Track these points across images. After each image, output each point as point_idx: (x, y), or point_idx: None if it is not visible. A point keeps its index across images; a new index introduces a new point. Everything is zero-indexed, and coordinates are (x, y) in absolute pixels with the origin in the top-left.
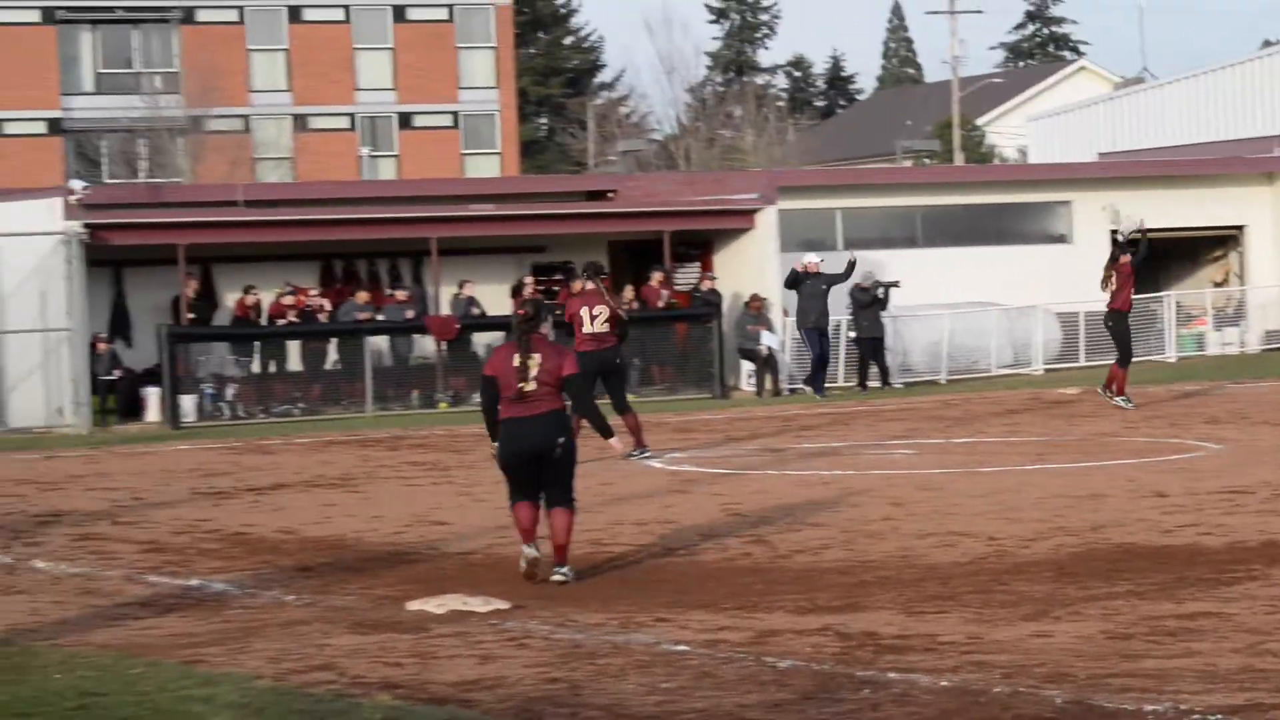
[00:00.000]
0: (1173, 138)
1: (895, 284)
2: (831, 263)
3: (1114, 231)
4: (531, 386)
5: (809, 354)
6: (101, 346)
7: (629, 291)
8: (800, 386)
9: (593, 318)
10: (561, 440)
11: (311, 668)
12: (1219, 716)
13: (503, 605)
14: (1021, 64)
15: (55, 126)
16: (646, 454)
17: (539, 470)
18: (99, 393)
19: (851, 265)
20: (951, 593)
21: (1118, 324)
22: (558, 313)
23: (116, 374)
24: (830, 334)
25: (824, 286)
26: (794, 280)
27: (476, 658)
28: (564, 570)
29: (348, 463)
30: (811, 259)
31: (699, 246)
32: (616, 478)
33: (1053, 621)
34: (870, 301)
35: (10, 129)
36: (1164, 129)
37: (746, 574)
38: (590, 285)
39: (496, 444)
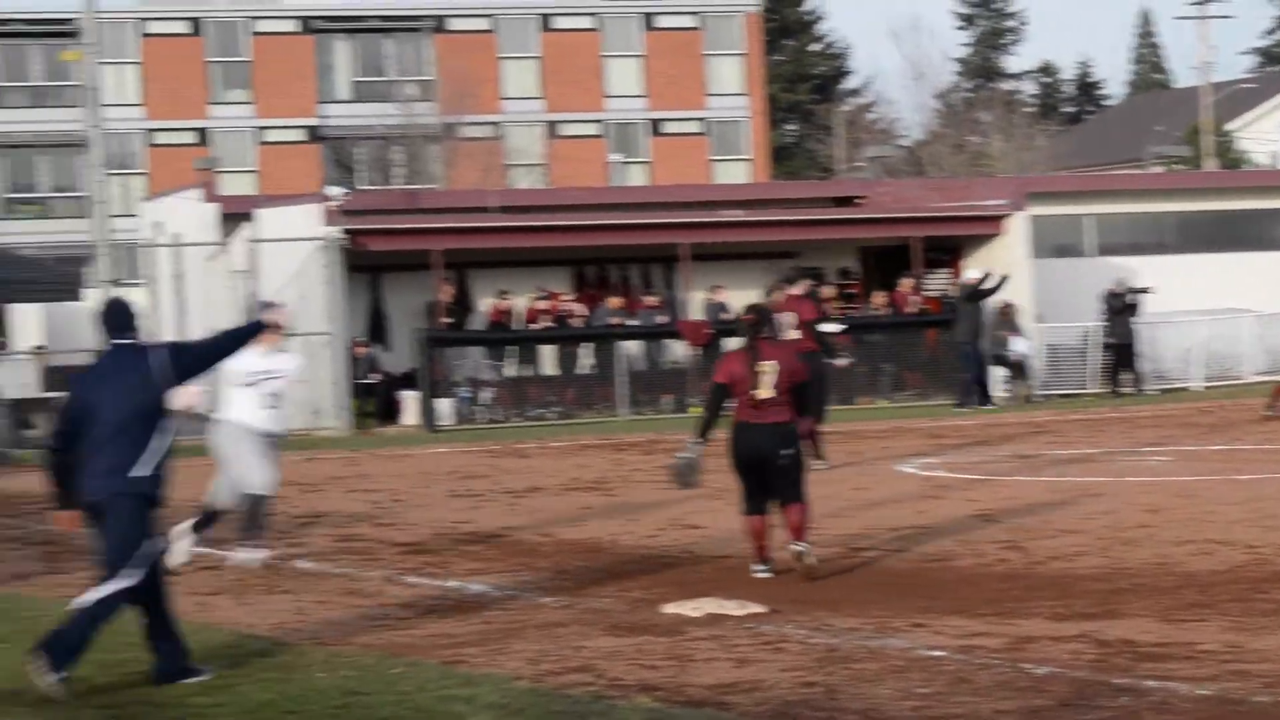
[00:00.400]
0: None
1: (1147, 290)
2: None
3: None
4: (767, 394)
5: (1061, 360)
6: (360, 350)
7: (878, 296)
8: (1048, 393)
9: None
10: (785, 452)
11: (569, 669)
12: None
13: (758, 609)
14: (1274, 68)
15: (313, 134)
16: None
17: (765, 477)
18: (358, 396)
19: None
20: (1210, 601)
21: None
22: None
23: (375, 378)
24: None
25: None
26: (974, 294)
27: (733, 661)
28: (801, 545)
29: (602, 466)
30: (973, 275)
31: (949, 252)
32: (871, 483)
33: None
34: (1122, 308)
35: (270, 136)
36: None
37: (1001, 579)
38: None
39: (701, 441)
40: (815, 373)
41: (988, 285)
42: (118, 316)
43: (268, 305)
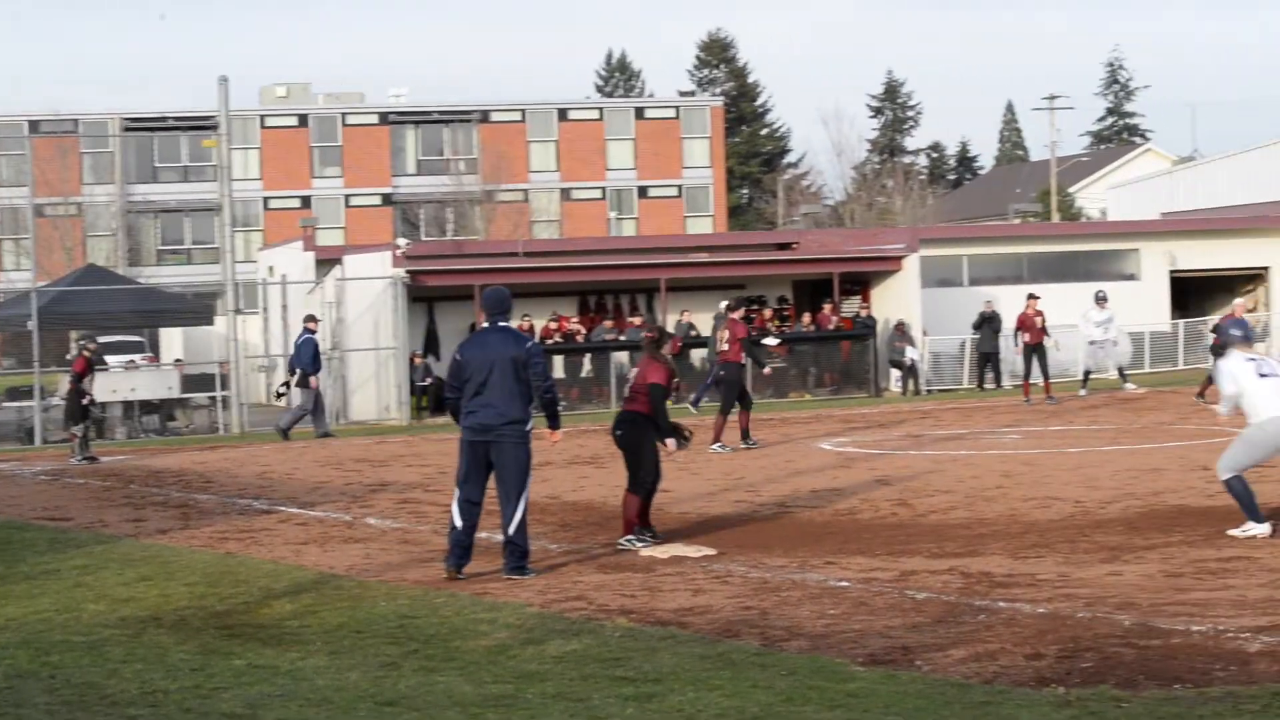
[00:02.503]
0: (1217, 201)
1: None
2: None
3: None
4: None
5: (943, 364)
6: (417, 360)
7: (806, 317)
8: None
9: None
10: (617, 433)
11: (568, 598)
12: (1248, 634)
13: (710, 552)
14: (1102, 146)
15: (387, 199)
16: (724, 448)
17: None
18: (415, 394)
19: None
20: (1047, 542)
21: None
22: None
23: (428, 381)
24: (959, 349)
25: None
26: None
27: (691, 591)
28: (624, 539)
29: (597, 446)
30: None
31: (860, 284)
32: (797, 457)
33: (1123, 564)
34: (983, 323)
35: (355, 201)
36: (1210, 194)
37: (893, 528)
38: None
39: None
40: (732, 378)
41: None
42: (498, 303)
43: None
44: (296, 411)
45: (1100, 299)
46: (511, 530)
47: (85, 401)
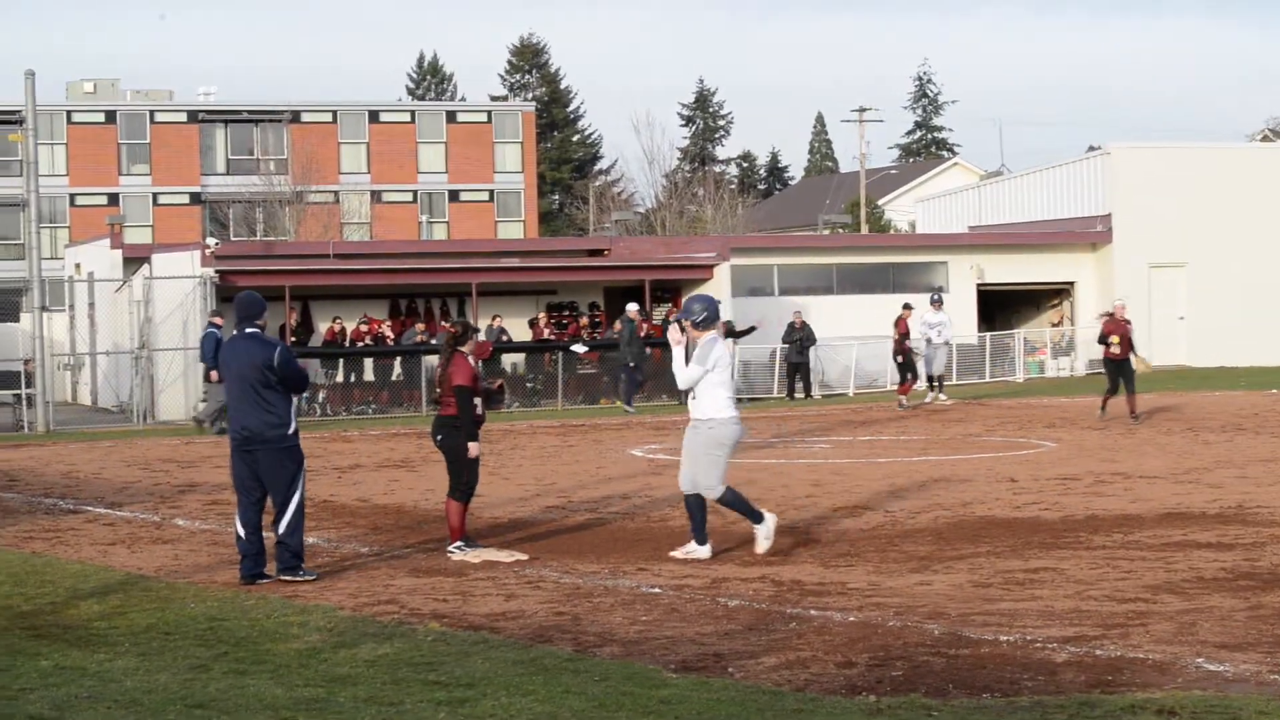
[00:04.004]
0: (1023, 216)
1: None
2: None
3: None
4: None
5: (753, 373)
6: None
7: (618, 324)
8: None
9: None
10: (438, 438)
11: (380, 602)
12: (1055, 644)
13: (522, 556)
14: (911, 160)
15: (195, 198)
16: None
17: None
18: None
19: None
20: (857, 551)
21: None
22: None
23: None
24: (769, 359)
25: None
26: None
27: (503, 596)
28: (453, 545)
29: (407, 449)
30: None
31: (672, 291)
32: (608, 463)
33: (932, 574)
34: (796, 335)
35: (163, 200)
36: (1017, 209)
37: None
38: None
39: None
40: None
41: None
42: (247, 308)
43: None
44: (212, 405)
45: (935, 301)
46: (281, 531)
47: None
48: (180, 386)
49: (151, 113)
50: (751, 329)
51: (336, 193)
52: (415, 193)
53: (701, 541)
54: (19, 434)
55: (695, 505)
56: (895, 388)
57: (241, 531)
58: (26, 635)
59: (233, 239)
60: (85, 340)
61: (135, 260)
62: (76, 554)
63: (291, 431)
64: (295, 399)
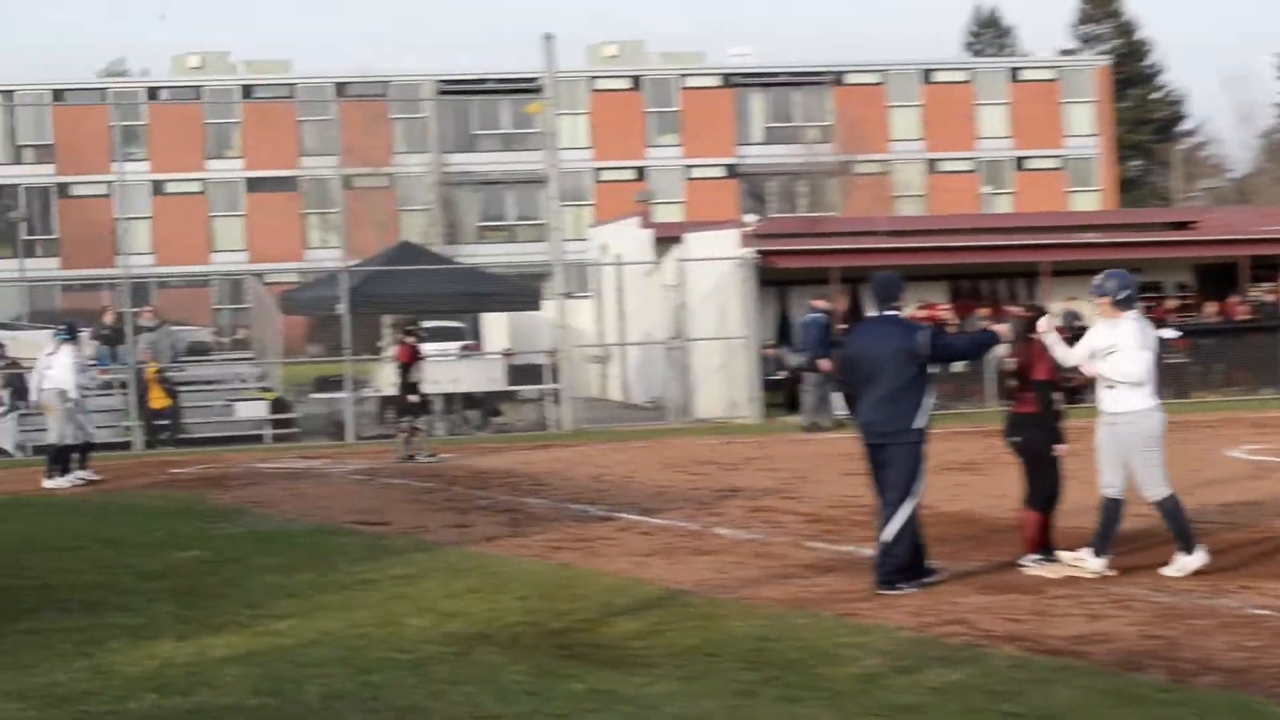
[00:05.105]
0: None
1: None
2: None
3: None
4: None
5: None
6: (769, 351)
7: (1210, 306)
8: None
9: None
10: (1015, 438)
11: (946, 621)
12: None
13: (1108, 572)
14: None
15: (731, 171)
16: None
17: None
18: (767, 389)
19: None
20: None
21: None
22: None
23: (781, 374)
24: None
25: None
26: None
27: (1087, 616)
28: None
29: (972, 450)
30: None
31: (1272, 269)
32: (1203, 465)
33: None
34: None
35: (695, 173)
36: None
37: None
38: None
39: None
40: None
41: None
42: (884, 289)
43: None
44: (813, 400)
45: None
46: (887, 536)
47: (414, 397)
48: (719, 380)
49: (681, 77)
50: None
51: (886, 163)
52: (975, 161)
53: (1100, 553)
54: (544, 433)
55: (1112, 511)
56: None
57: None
58: (557, 655)
59: (773, 215)
60: (614, 329)
61: (667, 240)
62: (609, 565)
63: (919, 427)
64: (929, 396)
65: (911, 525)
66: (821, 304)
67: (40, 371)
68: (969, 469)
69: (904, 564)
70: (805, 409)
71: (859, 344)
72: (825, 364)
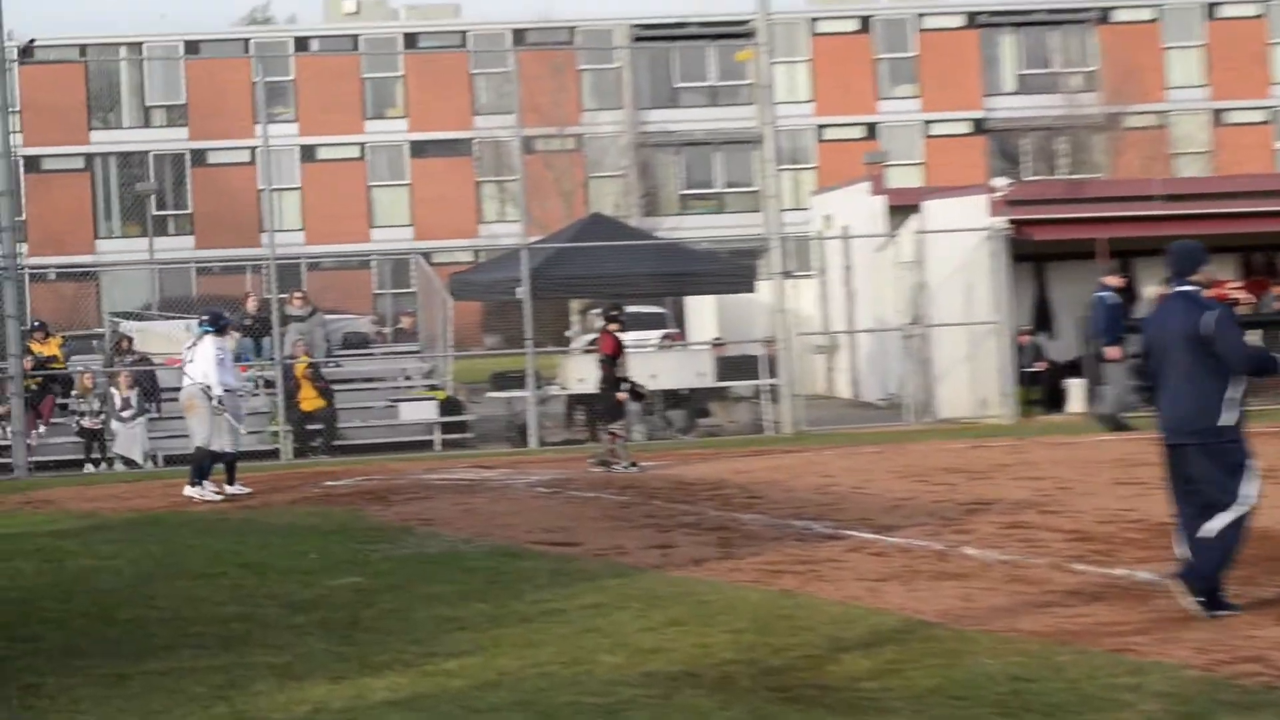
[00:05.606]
0: None
1: None
2: None
3: None
4: None
5: None
6: (1024, 339)
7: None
8: None
9: None
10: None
11: (1240, 659)
12: None
13: None
14: None
15: (978, 126)
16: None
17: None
18: (1023, 384)
19: None
20: None
21: None
22: None
23: (1040, 366)
24: None
25: None
26: None
27: None
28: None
29: (1272, 453)
30: None
31: None
32: None
33: None
34: None
35: (936, 130)
36: None
37: None
38: None
39: None
40: None
41: None
42: (1178, 261)
43: None
44: (1117, 391)
45: None
46: (1198, 542)
47: (622, 393)
48: (965, 373)
49: (918, 16)
50: None
51: (1163, 114)
52: (1271, 110)
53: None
54: (760, 437)
55: None
56: None
57: (1178, 551)
58: (775, 698)
59: (1028, 178)
60: (841, 315)
61: (902, 209)
62: (838, 592)
63: (1224, 424)
64: (1235, 387)
65: (1231, 536)
66: (1113, 280)
67: (184, 368)
68: (1268, 477)
69: (1207, 580)
70: (1108, 402)
71: (1152, 327)
72: (1114, 351)
